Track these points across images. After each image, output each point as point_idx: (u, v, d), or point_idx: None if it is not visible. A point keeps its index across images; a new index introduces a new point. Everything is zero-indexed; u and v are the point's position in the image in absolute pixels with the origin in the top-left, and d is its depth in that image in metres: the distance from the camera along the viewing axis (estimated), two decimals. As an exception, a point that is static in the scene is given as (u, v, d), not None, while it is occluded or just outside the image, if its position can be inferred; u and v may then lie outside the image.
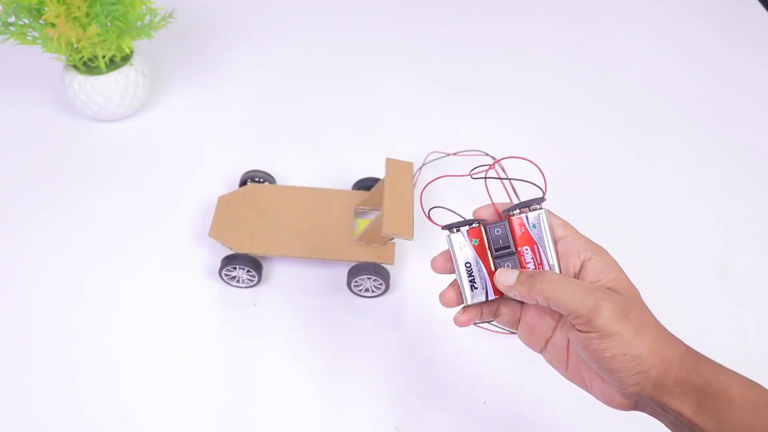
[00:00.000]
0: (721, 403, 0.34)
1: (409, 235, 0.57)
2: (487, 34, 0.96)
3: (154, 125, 0.78)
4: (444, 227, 0.40)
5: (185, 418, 0.53)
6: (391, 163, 0.62)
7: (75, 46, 0.68)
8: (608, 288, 0.36)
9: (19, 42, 0.67)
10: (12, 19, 0.67)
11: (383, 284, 0.60)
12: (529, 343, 0.41)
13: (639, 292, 0.37)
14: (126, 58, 0.73)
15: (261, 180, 0.68)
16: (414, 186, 0.62)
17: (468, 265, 0.39)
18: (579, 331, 0.36)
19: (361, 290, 0.61)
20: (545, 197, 0.39)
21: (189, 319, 0.59)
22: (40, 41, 0.67)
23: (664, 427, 0.37)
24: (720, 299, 0.65)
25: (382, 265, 0.60)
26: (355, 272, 0.59)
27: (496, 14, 1.00)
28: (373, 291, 0.61)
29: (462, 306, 0.41)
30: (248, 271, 0.60)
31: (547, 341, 0.40)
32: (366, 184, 0.68)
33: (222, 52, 0.89)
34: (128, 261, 0.64)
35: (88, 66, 0.71)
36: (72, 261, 0.63)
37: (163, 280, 0.62)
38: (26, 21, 0.67)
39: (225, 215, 0.63)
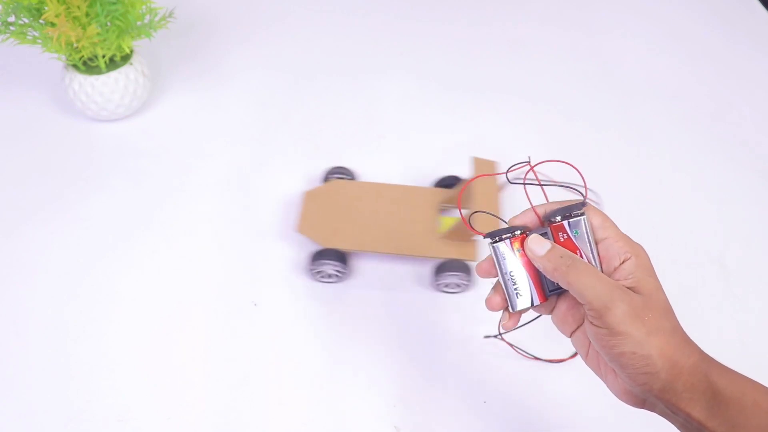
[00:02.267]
0: (733, 410, 0.34)
1: None
2: (487, 34, 0.96)
3: (154, 125, 0.78)
4: (487, 236, 0.40)
5: (185, 418, 0.53)
6: (477, 162, 0.63)
7: (75, 45, 0.68)
8: (630, 287, 0.37)
9: (19, 41, 0.67)
10: (12, 19, 0.67)
11: (469, 281, 0.61)
12: (561, 329, 0.42)
13: (665, 297, 0.38)
14: (126, 58, 0.73)
15: (344, 177, 0.69)
16: (499, 185, 0.63)
17: (512, 273, 0.40)
18: (591, 323, 0.36)
19: (446, 287, 0.62)
20: (586, 202, 0.39)
21: (189, 319, 0.59)
22: (40, 41, 0.67)
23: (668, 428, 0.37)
24: (720, 299, 0.65)
25: (466, 261, 0.61)
26: (442, 269, 0.60)
27: (496, 14, 1.00)
28: (457, 287, 0.62)
29: (505, 311, 0.42)
30: (336, 266, 0.60)
31: (578, 327, 0.41)
32: (447, 183, 0.69)
33: (222, 51, 0.89)
34: (128, 260, 0.63)
35: (88, 65, 0.71)
36: (71, 260, 0.63)
37: (162, 280, 0.62)
38: (26, 20, 0.67)
39: (311, 211, 0.64)
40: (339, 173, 0.69)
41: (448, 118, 0.82)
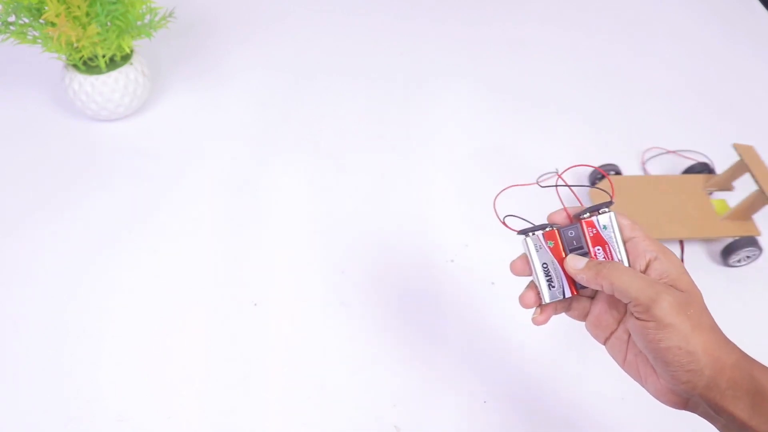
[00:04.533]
0: None
1: None
2: (487, 34, 0.96)
3: (154, 125, 0.78)
4: (520, 232, 0.42)
5: (185, 418, 0.53)
6: (740, 148, 0.68)
7: (75, 45, 0.68)
8: (670, 285, 0.37)
9: (20, 41, 0.67)
10: (12, 19, 0.67)
11: (759, 253, 0.66)
12: (595, 334, 0.42)
13: (701, 295, 0.38)
14: (126, 58, 0.73)
15: (614, 172, 0.74)
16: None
17: (545, 265, 0.41)
18: (638, 319, 0.37)
19: (738, 262, 0.67)
20: (613, 200, 0.41)
21: (189, 318, 0.59)
22: (40, 40, 0.67)
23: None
24: (720, 298, 0.65)
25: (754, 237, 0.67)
26: (734, 248, 0.65)
27: (496, 14, 1.00)
28: (746, 260, 0.67)
29: (537, 306, 0.42)
30: None
31: (612, 333, 0.41)
32: (696, 170, 0.74)
33: (222, 51, 0.89)
34: (127, 260, 0.63)
35: (88, 65, 0.71)
36: (70, 260, 0.63)
37: (162, 280, 0.62)
38: (26, 20, 0.67)
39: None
40: (611, 170, 0.74)
41: (447, 118, 0.82)
